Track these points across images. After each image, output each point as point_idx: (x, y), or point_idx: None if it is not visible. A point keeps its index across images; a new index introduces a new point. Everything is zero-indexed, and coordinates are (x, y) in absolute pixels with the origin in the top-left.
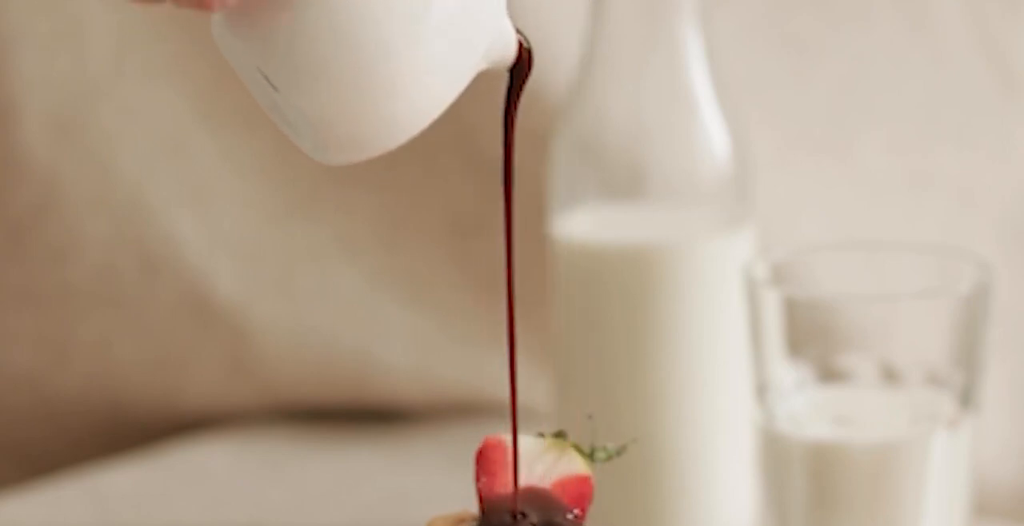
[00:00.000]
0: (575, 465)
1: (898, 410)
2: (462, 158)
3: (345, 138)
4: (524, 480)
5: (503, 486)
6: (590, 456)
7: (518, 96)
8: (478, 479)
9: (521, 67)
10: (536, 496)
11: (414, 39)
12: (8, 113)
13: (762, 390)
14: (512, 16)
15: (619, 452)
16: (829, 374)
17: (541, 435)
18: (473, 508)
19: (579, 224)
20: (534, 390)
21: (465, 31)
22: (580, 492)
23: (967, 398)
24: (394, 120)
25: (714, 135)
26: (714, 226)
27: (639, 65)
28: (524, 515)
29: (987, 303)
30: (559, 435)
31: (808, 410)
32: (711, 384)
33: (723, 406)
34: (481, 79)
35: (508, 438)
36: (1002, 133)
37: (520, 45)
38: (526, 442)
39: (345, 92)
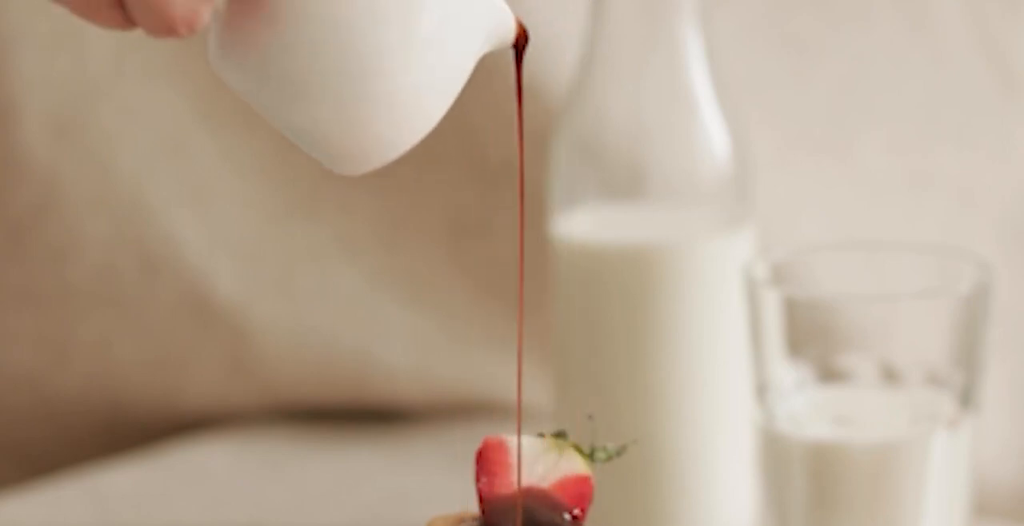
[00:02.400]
0: (575, 465)
1: (898, 410)
2: (462, 158)
3: (354, 151)
4: (524, 480)
5: (503, 486)
6: (590, 456)
7: (521, 64)
8: (478, 479)
9: (520, 41)
10: (536, 496)
11: (408, 50)
12: (8, 113)
13: (762, 390)
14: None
15: (619, 452)
16: (829, 374)
17: (541, 435)
18: (473, 508)
19: (579, 224)
20: (534, 390)
21: (462, 29)
22: (580, 492)
23: (967, 398)
24: (401, 127)
25: (714, 135)
26: (714, 226)
27: (639, 65)
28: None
29: (987, 303)
30: (559, 435)
31: (808, 410)
32: (711, 384)
33: (723, 406)
34: (481, 80)
35: (508, 438)
36: (1002, 133)
37: (517, 22)
38: (526, 442)
39: (344, 108)
